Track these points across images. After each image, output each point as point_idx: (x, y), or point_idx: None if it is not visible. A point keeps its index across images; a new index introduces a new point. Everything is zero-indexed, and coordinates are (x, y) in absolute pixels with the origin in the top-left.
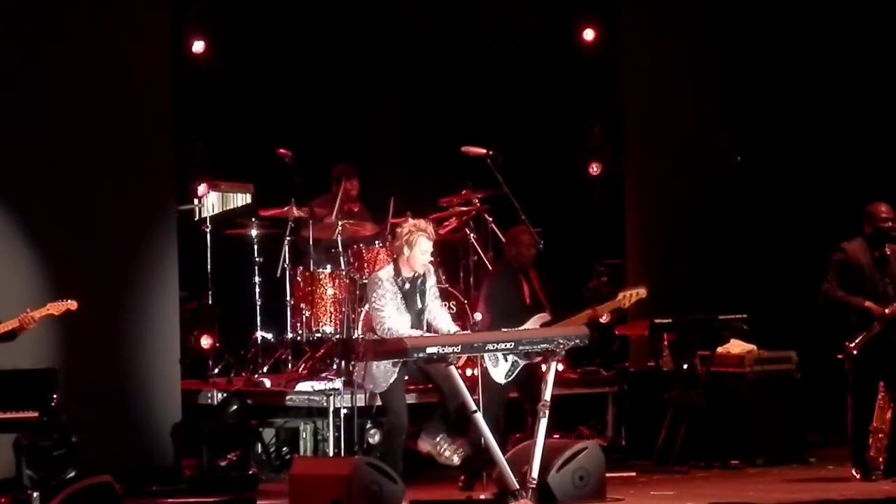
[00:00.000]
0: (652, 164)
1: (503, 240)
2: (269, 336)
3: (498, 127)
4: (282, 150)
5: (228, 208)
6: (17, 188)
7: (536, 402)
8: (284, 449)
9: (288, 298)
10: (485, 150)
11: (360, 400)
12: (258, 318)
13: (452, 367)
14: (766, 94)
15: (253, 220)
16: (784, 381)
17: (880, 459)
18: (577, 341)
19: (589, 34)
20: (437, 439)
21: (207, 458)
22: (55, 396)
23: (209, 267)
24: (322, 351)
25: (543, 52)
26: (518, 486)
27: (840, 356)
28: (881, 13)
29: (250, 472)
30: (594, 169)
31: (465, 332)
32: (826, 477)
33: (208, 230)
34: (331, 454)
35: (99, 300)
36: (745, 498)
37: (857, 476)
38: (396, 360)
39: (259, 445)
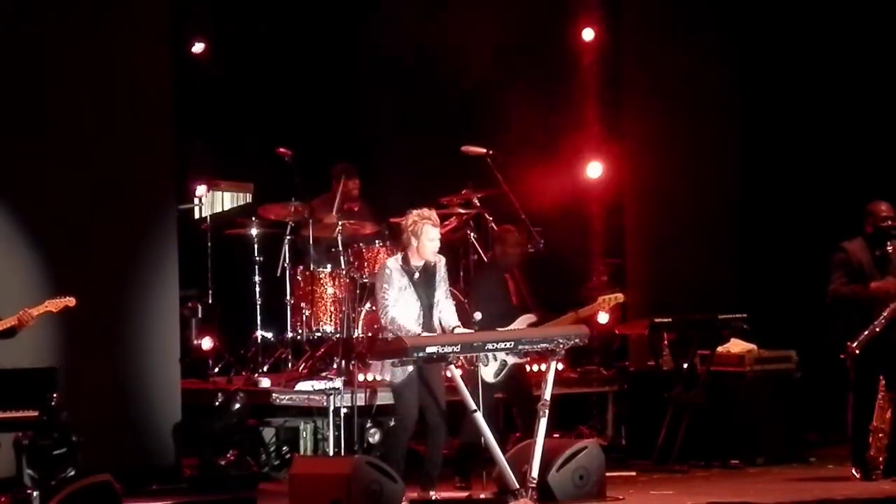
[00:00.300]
0: (652, 163)
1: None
2: (270, 335)
3: (498, 126)
4: (282, 150)
5: (228, 208)
6: (17, 188)
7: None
8: (284, 448)
9: (288, 298)
10: (485, 150)
11: (360, 399)
12: (258, 318)
13: (453, 367)
14: (766, 93)
15: (253, 219)
16: (784, 380)
17: (880, 459)
18: (577, 341)
19: (589, 34)
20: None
21: (207, 458)
22: (55, 396)
23: (209, 266)
24: (322, 350)
25: (543, 51)
26: (518, 486)
27: (842, 356)
28: (881, 12)
29: (250, 472)
30: (594, 168)
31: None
32: (826, 476)
33: (208, 229)
34: (331, 453)
35: (99, 300)
36: (745, 498)
37: (857, 475)
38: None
39: (259, 445)
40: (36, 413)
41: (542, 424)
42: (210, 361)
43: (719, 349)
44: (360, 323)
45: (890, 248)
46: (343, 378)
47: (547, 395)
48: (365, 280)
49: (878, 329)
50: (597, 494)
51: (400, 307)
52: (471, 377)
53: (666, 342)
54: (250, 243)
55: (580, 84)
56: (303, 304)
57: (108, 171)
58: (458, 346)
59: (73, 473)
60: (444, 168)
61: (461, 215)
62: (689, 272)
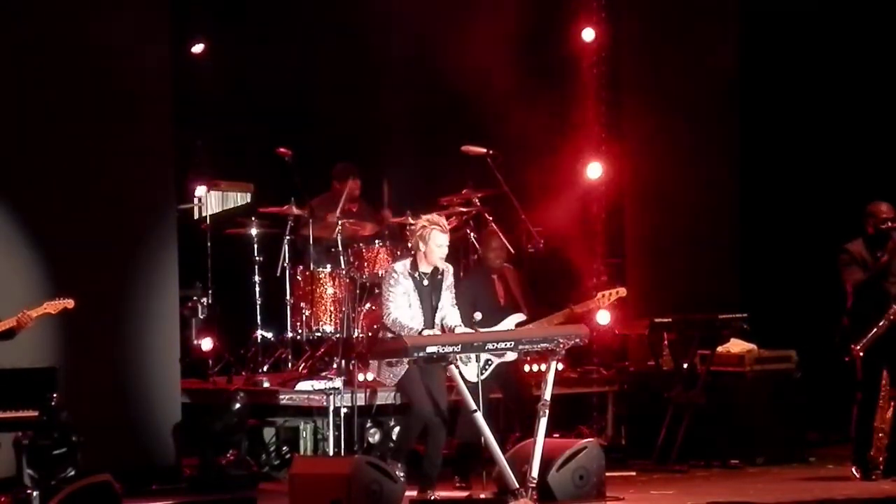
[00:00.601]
0: (652, 164)
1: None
2: (269, 335)
3: (498, 126)
4: (282, 150)
5: (228, 207)
6: (17, 188)
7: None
8: (284, 448)
9: (288, 297)
10: (485, 150)
11: (360, 399)
12: (258, 318)
13: (453, 367)
14: (766, 93)
15: (253, 219)
16: (784, 380)
17: (880, 459)
18: (577, 340)
19: (589, 34)
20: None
21: (208, 458)
22: (55, 396)
23: (209, 266)
24: (322, 350)
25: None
26: (518, 486)
27: (846, 358)
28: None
29: (250, 472)
30: (594, 169)
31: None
32: (826, 476)
33: (208, 229)
34: (331, 453)
35: (99, 300)
36: (745, 498)
37: (857, 475)
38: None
39: (259, 445)
40: (36, 413)
41: (542, 424)
42: (210, 361)
43: (719, 349)
44: (360, 323)
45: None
46: (343, 378)
47: (547, 395)
48: (365, 280)
49: (881, 330)
50: (597, 494)
51: (403, 310)
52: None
53: (666, 342)
54: (250, 243)
55: (580, 84)
56: (303, 304)
57: (107, 171)
58: (459, 346)
59: (73, 473)
60: (444, 168)
61: (461, 215)
62: (689, 272)
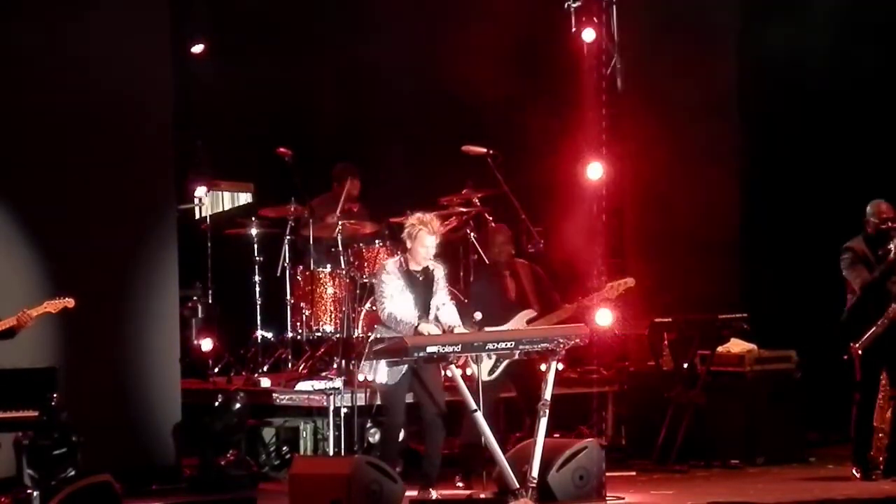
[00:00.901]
0: (652, 164)
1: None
2: (269, 335)
3: (498, 126)
4: (282, 150)
5: (228, 207)
6: (18, 188)
7: (534, 401)
8: (284, 448)
9: (288, 297)
10: (485, 150)
11: (361, 399)
12: (258, 318)
13: (453, 366)
14: (766, 93)
15: (253, 219)
16: (784, 380)
17: (880, 459)
18: (577, 340)
19: (589, 35)
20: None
21: (208, 458)
22: (55, 396)
23: (209, 266)
24: (322, 350)
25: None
26: (518, 486)
27: (844, 357)
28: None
29: (250, 472)
30: (595, 169)
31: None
32: (826, 476)
33: (208, 229)
34: (331, 453)
35: (99, 300)
36: (745, 498)
37: (858, 475)
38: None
39: (259, 445)
40: (36, 413)
41: (542, 424)
42: (210, 361)
43: (719, 349)
44: (360, 323)
45: (891, 247)
46: (343, 378)
47: (547, 395)
48: (365, 280)
49: (880, 329)
50: (597, 494)
51: (397, 303)
52: (472, 377)
53: (666, 342)
54: (250, 243)
55: (581, 84)
56: (303, 304)
57: (108, 171)
58: (459, 346)
59: (73, 473)
60: (444, 168)
61: (461, 215)
62: (689, 272)
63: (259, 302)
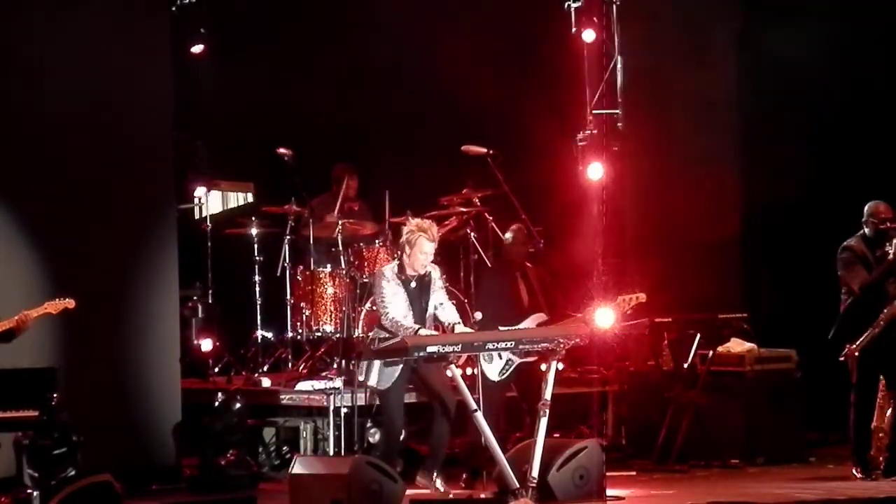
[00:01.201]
0: (653, 164)
1: (503, 239)
2: (270, 335)
3: (498, 126)
4: (282, 149)
5: (228, 207)
6: (18, 188)
7: (535, 401)
8: (285, 448)
9: (288, 297)
10: (485, 150)
11: (361, 399)
12: (258, 317)
13: (453, 366)
14: (766, 93)
15: (253, 218)
16: (784, 380)
17: (881, 459)
18: (577, 340)
19: (589, 35)
20: (434, 478)
21: (208, 458)
22: (55, 395)
23: (209, 266)
24: (322, 350)
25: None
26: (518, 485)
27: (841, 358)
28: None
29: (250, 472)
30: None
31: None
32: (826, 476)
33: (208, 229)
34: (331, 453)
35: (99, 300)
36: (745, 498)
37: (858, 475)
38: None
39: (259, 445)
40: (36, 413)
41: (543, 424)
42: (210, 361)
43: (719, 349)
44: (360, 323)
45: (889, 249)
46: (343, 378)
47: (547, 395)
48: (365, 280)
49: (877, 329)
50: (597, 494)
51: (399, 309)
52: (472, 377)
53: (666, 342)
54: (250, 243)
55: (581, 84)
56: (303, 304)
57: (108, 171)
58: (459, 346)
59: (73, 473)
60: (444, 168)
61: (461, 215)
62: (690, 272)
63: (259, 302)
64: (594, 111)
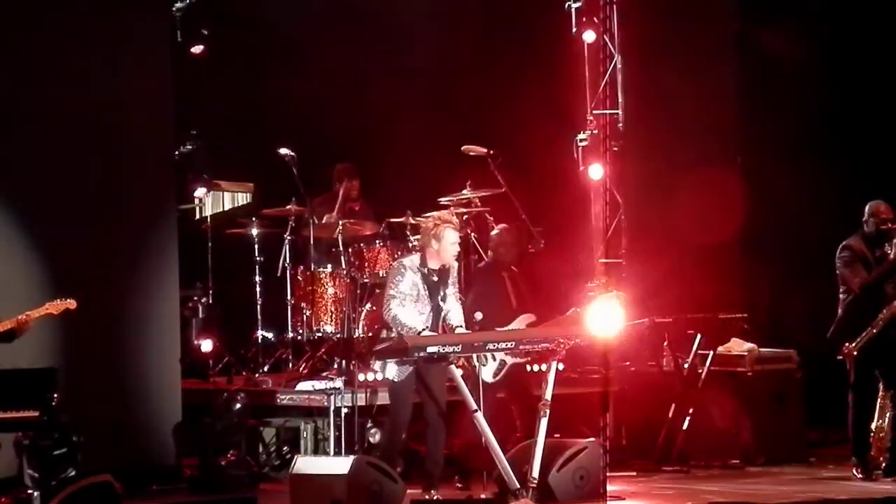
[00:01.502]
0: (652, 164)
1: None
2: (270, 335)
3: (498, 126)
4: (282, 150)
5: (229, 207)
6: (18, 188)
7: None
8: (285, 448)
9: (288, 298)
10: (485, 150)
11: (361, 399)
12: (259, 318)
13: (453, 367)
14: (764, 92)
15: (253, 219)
16: (784, 380)
17: (881, 459)
18: (577, 340)
19: (590, 36)
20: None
21: (208, 458)
22: (55, 396)
23: (209, 266)
24: (322, 350)
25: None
26: (518, 486)
27: (839, 357)
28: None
29: (251, 472)
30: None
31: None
32: (826, 476)
33: (209, 229)
34: (331, 453)
35: (99, 300)
36: (745, 498)
37: (858, 475)
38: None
39: (259, 445)
40: (36, 413)
41: (543, 424)
42: (210, 361)
43: (719, 349)
44: (361, 323)
45: (889, 249)
46: (343, 378)
47: (548, 395)
48: (365, 280)
49: (875, 330)
50: (597, 494)
51: (409, 306)
52: (471, 377)
53: (666, 342)
54: (250, 243)
55: (581, 84)
56: (303, 304)
57: (108, 171)
58: (459, 346)
59: (73, 473)
60: (444, 168)
61: (461, 215)
62: (689, 272)
63: (259, 302)
64: (594, 111)
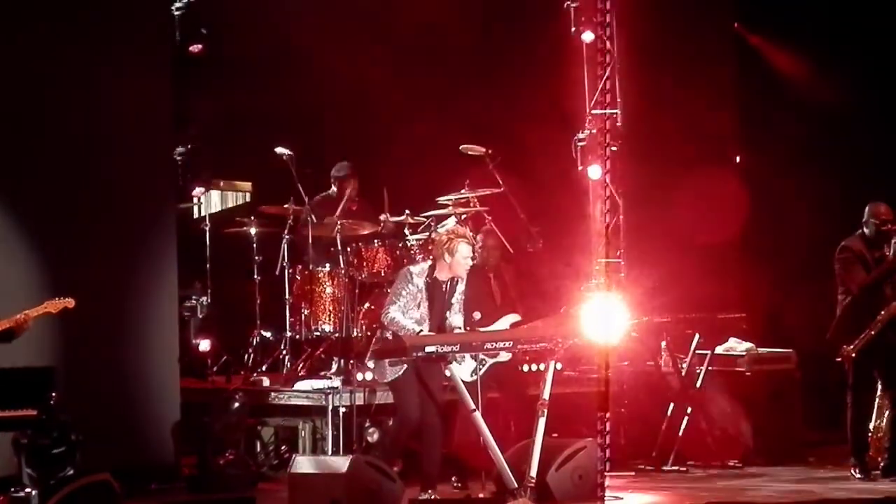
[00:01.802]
0: (652, 164)
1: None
2: (268, 335)
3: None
4: (281, 149)
5: (227, 207)
6: (18, 188)
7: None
8: (283, 448)
9: (287, 297)
10: (484, 149)
11: (359, 399)
12: (257, 317)
13: (452, 366)
14: (764, 92)
15: (252, 218)
16: (784, 380)
17: (879, 459)
18: (576, 340)
19: (589, 35)
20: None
21: (206, 457)
22: (54, 395)
23: (208, 266)
24: (321, 350)
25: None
26: (517, 485)
27: (838, 359)
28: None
29: (249, 471)
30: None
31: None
32: (825, 476)
33: (207, 228)
34: (329, 453)
35: (98, 299)
36: (744, 498)
37: (857, 475)
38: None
39: (258, 444)
40: (35, 412)
41: (541, 424)
42: (209, 361)
43: (718, 349)
44: (359, 322)
45: (888, 251)
46: (342, 377)
47: (546, 395)
48: (364, 279)
49: (874, 331)
50: (595, 494)
51: (408, 312)
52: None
53: (666, 342)
54: (249, 243)
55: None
56: (302, 304)
57: (107, 171)
58: (457, 346)
59: (71, 472)
60: (444, 168)
61: (460, 215)
62: (689, 272)
63: (258, 301)
64: (593, 111)
